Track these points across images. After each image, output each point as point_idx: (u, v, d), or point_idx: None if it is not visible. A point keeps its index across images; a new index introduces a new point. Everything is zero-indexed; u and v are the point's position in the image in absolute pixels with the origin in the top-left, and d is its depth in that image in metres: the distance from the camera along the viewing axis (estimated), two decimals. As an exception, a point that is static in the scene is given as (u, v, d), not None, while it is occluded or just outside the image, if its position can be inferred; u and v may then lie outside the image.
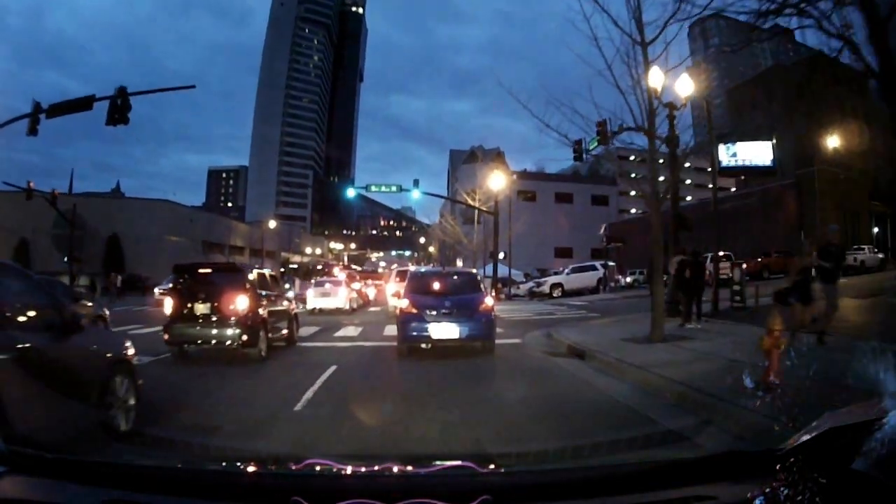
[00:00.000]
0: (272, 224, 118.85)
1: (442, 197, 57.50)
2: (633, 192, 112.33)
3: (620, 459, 4.69)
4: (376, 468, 3.58)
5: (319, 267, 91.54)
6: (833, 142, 63.16)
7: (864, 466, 2.33)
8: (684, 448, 5.35)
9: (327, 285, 41.18)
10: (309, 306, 38.14)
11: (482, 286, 21.45)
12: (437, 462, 3.91)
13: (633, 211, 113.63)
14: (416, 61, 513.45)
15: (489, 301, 19.42)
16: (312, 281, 47.60)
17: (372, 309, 43.33)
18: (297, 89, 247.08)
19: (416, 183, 52.98)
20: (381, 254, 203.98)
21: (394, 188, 54.58)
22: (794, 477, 2.53)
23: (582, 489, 2.90)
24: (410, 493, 2.69)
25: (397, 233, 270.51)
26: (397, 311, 19.83)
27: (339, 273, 56.01)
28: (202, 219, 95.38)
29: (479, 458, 4.20)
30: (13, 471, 2.98)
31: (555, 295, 54.77)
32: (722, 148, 39.04)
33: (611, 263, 59.74)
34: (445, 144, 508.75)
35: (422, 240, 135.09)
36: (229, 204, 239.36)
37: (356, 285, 47.64)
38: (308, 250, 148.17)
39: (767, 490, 2.56)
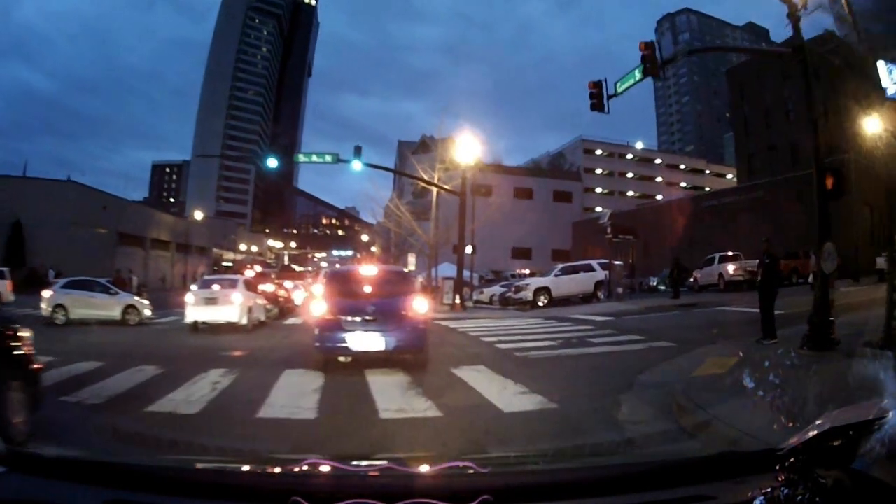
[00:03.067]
0: (198, 215, 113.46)
1: (389, 170, 54.72)
2: (598, 189, 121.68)
3: (620, 459, 4.66)
4: (376, 468, 3.57)
5: (257, 266, 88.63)
6: (871, 125, 48.53)
7: (864, 466, 2.39)
8: (684, 448, 5.41)
9: (215, 288, 30.96)
10: (188, 319, 29.78)
11: (414, 286, 19.81)
12: (437, 462, 3.63)
13: (599, 209, 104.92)
14: (370, 60, 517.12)
15: (422, 304, 17.59)
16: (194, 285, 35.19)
17: (291, 321, 36.70)
18: (244, 81, 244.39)
19: (357, 151, 43.90)
20: (325, 254, 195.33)
21: (328, 157, 46.06)
22: (794, 477, 2.58)
23: (582, 489, 2.94)
24: (410, 493, 2.72)
25: (339, 232, 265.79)
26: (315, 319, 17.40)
27: (250, 271, 52.07)
28: (119, 206, 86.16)
29: (479, 458, 4.15)
30: (13, 471, 3.00)
31: (540, 303, 45.27)
32: (882, 67, 29.14)
33: (616, 262, 49.57)
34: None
35: (364, 237, 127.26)
36: (171, 199, 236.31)
37: (269, 288, 39.47)
38: (244, 247, 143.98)
39: (767, 490, 2.60)
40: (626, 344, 21.47)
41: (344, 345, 16.25)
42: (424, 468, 3.56)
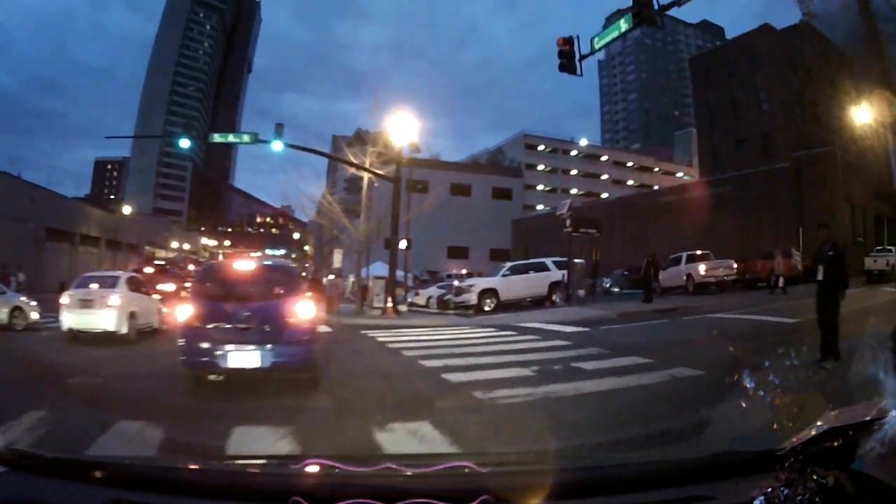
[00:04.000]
0: (126, 209, 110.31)
1: (314, 152, 47.32)
2: (540, 187, 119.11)
3: (620, 460, 4.54)
4: (376, 468, 3.41)
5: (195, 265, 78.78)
6: (855, 117, 52.57)
7: (864, 466, 2.45)
8: (684, 448, 5.23)
9: (92, 287, 24.76)
10: (63, 325, 24.03)
11: (301, 286, 15.65)
12: (437, 462, 3.46)
13: (539, 207, 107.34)
14: (312, 59, 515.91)
15: (307, 309, 14.03)
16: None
17: None
18: (185, 77, 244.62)
19: (278, 130, 39.21)
20: (259, 253, 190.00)
21: (246, 137, 42.75)
22: (794, 477, 2.60)
23: (582, 489, 2.98)
24: (410, 493, 2.72)
25: (274, 230, 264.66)
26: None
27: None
28: (47, 199, 79.81)
29: (479, 458, 3.82)
30: (13, 471, 3.04)
31: (486, 307, 40.08)
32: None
33: (577, 260, 42.18)
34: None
35: (296, 235, 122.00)
36: (112, 196, 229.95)
37: (170, 288, 36.08)
38: (176, 245, 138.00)
39: (767, 490, 2.61)
40: (635, 373, 15.07)
41: (212, 360, 13.01)
42: (424, 468, 3.42)
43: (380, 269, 48.11)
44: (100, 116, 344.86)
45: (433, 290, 50.20)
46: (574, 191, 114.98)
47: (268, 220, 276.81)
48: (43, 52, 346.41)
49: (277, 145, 39.03)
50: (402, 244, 45.52)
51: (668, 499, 2.82)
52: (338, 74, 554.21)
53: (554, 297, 40.99)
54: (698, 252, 48.06)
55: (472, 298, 40.43)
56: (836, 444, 2.55)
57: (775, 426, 3.42)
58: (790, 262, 45.11)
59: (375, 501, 2.63)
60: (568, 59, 23.96)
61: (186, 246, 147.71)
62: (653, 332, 24.95)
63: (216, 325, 13.27)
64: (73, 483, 2.93)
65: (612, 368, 15.68)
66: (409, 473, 3.34)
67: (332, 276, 49.78)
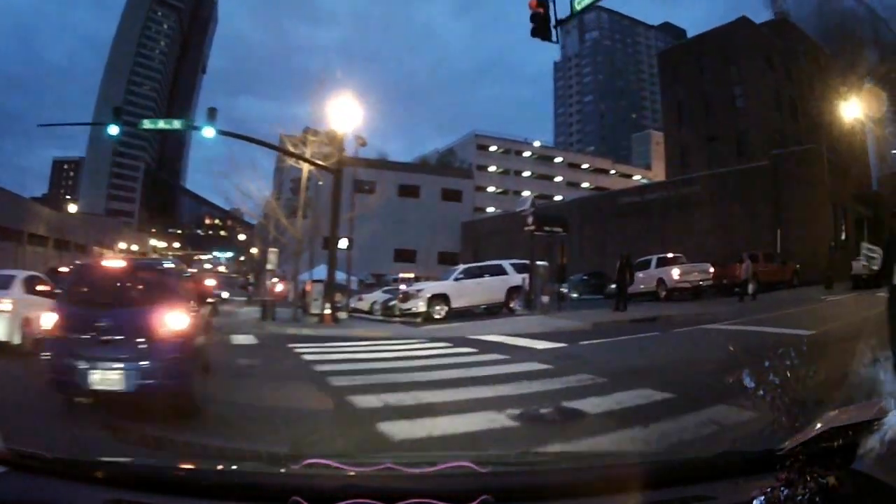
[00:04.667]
0: (72, 208, 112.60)
1: (248, 139, 39.34)
2: (490, 188, 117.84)
3: (620, 460, 4.61)
4: (376, 468, 3.47)
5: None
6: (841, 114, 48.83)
7: (864, 466, 2.49)
8: (684, 448, 5.29)
9: None
10: None
11: (179, 290, 12.96)
12: (437, 462, 3.51)
13: (490, 209, 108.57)
14: (267, 61, 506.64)
15: (180, 319, 11.69)
16: None
17: None
18: (140, 76, 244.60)
19: (210, 115, 34.88)
20: (208, 255, 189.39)
21: (176, 123, 43.21)
22: (794, 477, 2.59)
23: (582, 489, 2.99)
24: (410, 493, 2.73)
25: (221, 232, 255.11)
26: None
27: None
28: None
29: (479, 458, 3.85)
30: (13, 471, 3.05)
31: (437, 315, 35.52)
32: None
33: (540, 263, 37.22)
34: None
35: (241, 237, 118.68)
36: (68, 196, 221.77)
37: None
38: (124, 246, 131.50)
39: (767, 490, 2.60)
40: (660, 417, 10.03)
41: (74, 379, 10.58)
42: (424, 468, 3.41)
43: (324, 272, 42.36)
44: (63, 116, 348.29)
45: (378, 295, 46.87)
46: (526, 193, 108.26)
47: (216, 221, 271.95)
48: (8, 50, 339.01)
49: (209, 131, 34.81)
50: (343, 243, 41.69)
51: (668, 499, 2.82)
52: (292, 77, 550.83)
53: (512, 305, 36.91)
54: (670, 255, 44.93)
55: (420, 305, 36.04)
56: (836, 444, 2.54)
57: (775, 426, 3.20)
58: (760, 266, 42.77)
59: (375, 501, 2.62)
60: (541, 22, 20.70)
61: (135, 247, 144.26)
62: (647, 350, 20.64)
63: (78, 335, 11.04)
64: (73, 483, 2.92)
65: (622, 411, 11.26)
66: (409, 473, 3.25)
67: (274, 279, 45.48)
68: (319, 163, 39.20)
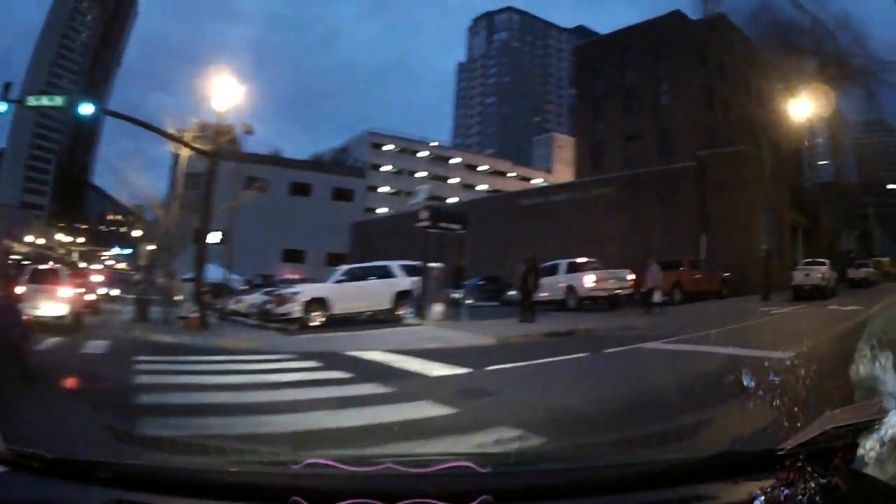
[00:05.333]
0: None
1: (124, 118, 34.74)
2: (383, 189, 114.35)
3: (620, 459, 4.27)
4: (376, 468, 3.38)
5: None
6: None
7: (864, 466, 2.54)
8: (684, 448, 4.82)
9: None
10: None
11: None
12: (437, 462, 3.41)
13: (382, 210, 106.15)
14: (182, 58, 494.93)
15: None
16: None
17: None
18: (62, 68, 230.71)
19: (93, 94, 26.78)
20: (112, 252, 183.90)
21: (59, 100, 37.57)
22: (794, 477, 2.56)
23: (582, 489, 3.00)
24: (410, 493, 2.73)
25: (122, 229, 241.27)
26: None
27: None
28: None
29: (479, 458, 3.63)
30: (13, 471, 3.02)
31: (315, 322, 30.75)
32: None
33: (432, 265, 32.23)
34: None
35: (135, 233, 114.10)
36: None
37: None
38: (31, 240, 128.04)
39: (767, 490, 2.58)
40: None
41: None
42: (424, 468, 3.37)
43: (213, 272, 41.85)
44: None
45: (256, 297, 40.37)
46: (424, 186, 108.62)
47: (119, 217, 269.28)
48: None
49: (87, 108, 32.54)
50: (215, 237, 37.37)
51: (668, 499, 2.83)
52: (205, 76, 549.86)
53: (401, 312, 32.41)
54: (582, 260, 40.86)
55: (296, 310, 31.32)
56: (836, 444, 2.56)
57: (775, 426, 3.31)
58: (684, 274, 41.30)
59: (375, 501, 2.61)
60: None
61: (40, 242, 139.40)
62: (583, 381, 15.44)
63: None
64: (73, 483, 2.89)
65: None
66: (409, 473, 3.25)
67: (160, 278, 41.56)
68: (196, 146, 35.22)
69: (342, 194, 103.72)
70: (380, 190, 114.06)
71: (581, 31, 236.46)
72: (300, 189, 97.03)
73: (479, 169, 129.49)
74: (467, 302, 40.16)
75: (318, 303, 31.53)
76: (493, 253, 58.04)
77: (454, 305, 33.25)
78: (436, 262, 32.92)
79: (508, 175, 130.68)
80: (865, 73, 61.78)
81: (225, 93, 34.58)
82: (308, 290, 33.17)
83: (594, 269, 39.66)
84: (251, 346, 24.63)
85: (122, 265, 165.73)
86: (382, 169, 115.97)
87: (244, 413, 11.76)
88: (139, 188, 44.26)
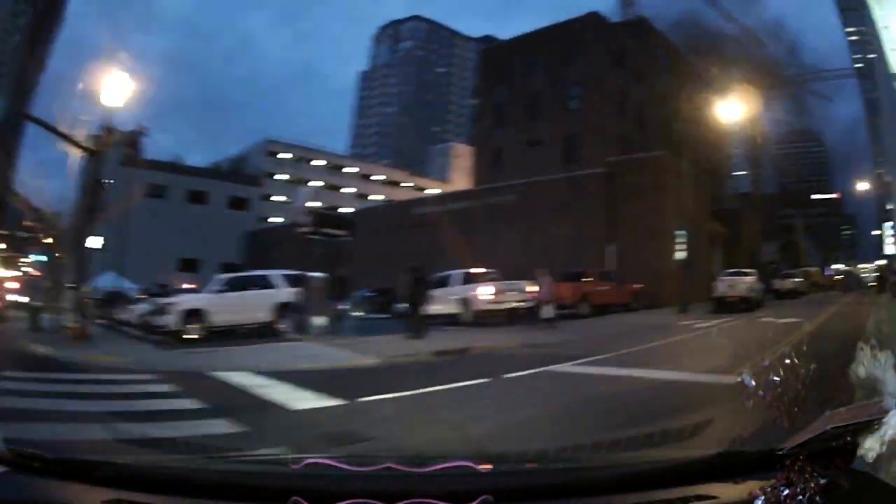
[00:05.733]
0: None
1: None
2: (279, 198, 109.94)
3: (620, 459, 4.23)
4: (376, 468, 3.28)
5: None
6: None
7: (864, 466, 2.54)
8: (684, 448, 4.81)
9: None
10: None
11: None
12: (438, 462, 3.31)
13: (277, 219, 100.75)
14: (103, 64, 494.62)
15: None
16: None
17: None
18: None
19: None
20: (30, 259, 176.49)
21: None
22: (794, 477, 2.57)
23: (582, 489, 2.94)
24: (410, 493, 2.71)
25: (38, 235, 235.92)
26: None
27: None
28: None
29: (479, 458, 3.65)
30: (13, 471, 2.95)
31: (192, 335, 28.74)
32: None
33: (314, 275, 28.94)
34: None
35: (47, 240, 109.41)
36: None
37: None
38: None
39: (767, 490, 2.58)
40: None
41: None
42: (424, 468, 3.29)
43: (112, 280, 44.19)
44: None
45: (145, 307, 36.24)
46: (318, 204, 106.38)
47: (34, 224, 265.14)
48: None
49: None
50: (96, 242, 37.07)
51: (668, 499, 2.76)
52: (101, 72, 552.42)
53: (281, 326, 30.04)
54: (479, 270, 38.13)
55: (173, 321, 29.37)
56: (836, 444, 2.56)
57: (775, 426, 3.11)
58: (593, 286, 39.17)
59: (375, 501, 2.60)
60: None
61: None
62: (484, 417, 11.82)
63: None
64: (73, 483, 2.84)
65: None
66: (409, 473, 3.23)
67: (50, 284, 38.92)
68: (80, 142, 31.16)
69: (238, 203, 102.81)
70: (275, 199, 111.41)
71: (488, 40, 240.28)
72: (197, 197, 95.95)
73: (375, 179, 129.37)
74: (356, 315, 39.36)
75: (196, 314, 29.74)
76: (386, 263, 53.96)
77: (338, 319, 30.82)
78: (320, 271, 30.12)
79: (403, 185, 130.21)
80: (793, 83, 61.31)
81: (115, 89, 30.94)
82: (185, 301, 31.41)
83: (492, 280, 36.98)
84: (114, 361, 21.79)
85: (38, 272, 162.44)
86: (278, 177, 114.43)
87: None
88: (46, 194, 41.91)
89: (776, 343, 19.26)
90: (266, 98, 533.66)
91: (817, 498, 2.39)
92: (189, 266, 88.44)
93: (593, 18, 69.42)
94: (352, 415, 12.71)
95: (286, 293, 30.73)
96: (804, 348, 3.56)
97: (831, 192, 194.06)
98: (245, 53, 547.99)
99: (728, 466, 2.89)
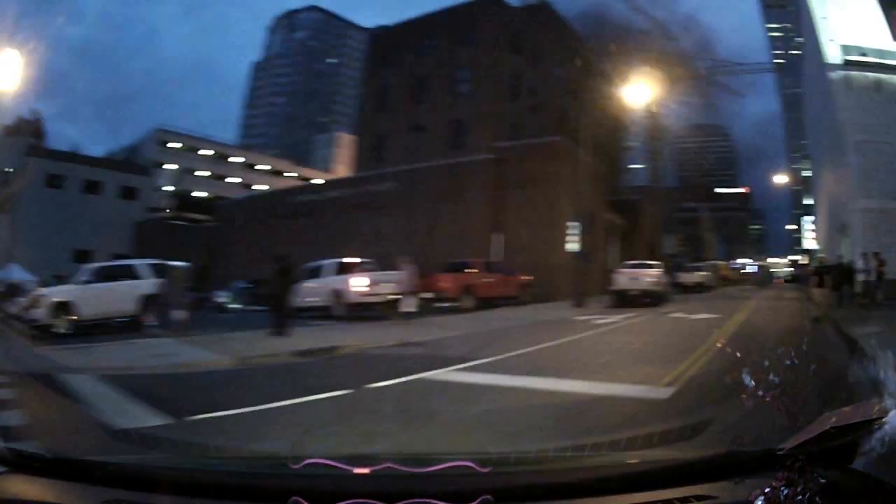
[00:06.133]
0: None
1: None
2: (168, 187, 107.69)
3: (620, 459, 4.23)
4: (376, 468, 3.26)
5: None
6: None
7: (864, 466, 2.56)
8: (684, 448, 4.79)
9: None
10: None
11: None
12: (437, 462, 3.30)
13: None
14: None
15: None
16: None
17: None
18: None
19: None
20: None
21: None
22: (794, 477, 2.62)
23: (582, 489, 2.98)
24: (410, 493, 2.75)
25: None
26: None
27: None
28: None
29: (479, 458, 3.44)
30: (13, 471, 2.95)
31: (60, 330, 26.57)
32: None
33: (174, 264, 28.98)
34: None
35: None
36: None
37: None
38: None
39: (767, 490, 2.62)
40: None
41: None
42: (424, 468, 3.27)
43: (19, 273, 42.64)
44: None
45: (23, 300, 32.82)
46: (203, 194, 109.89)
47: None
48: None
49: None
50: None
51: (668, 499, 2.80)
52: (33, 78, 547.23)
53: (146, 319, 27.53)
54: (353, 260, 35.74)
55: (43, 315, 27.22)
56: (836, 444, 2.58)
57: (775, 426, 3.27)
58: (478, 277, 36.91)
59: (375, 501, 2.64)
60: None
61: None
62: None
63: None
64: (73, 483, 2.85)
65: None
66: (409, 473, 3.21)
67: None
68: None
69: (129, 193, 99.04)
70: (166, 188, 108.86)
71: (383, 30, 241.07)
72: (92, 187, 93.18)
73: (259, 168, 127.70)
74: (234, 307, 40.30)
75: (64, 307, 27.63)
76: (264, 253, 48.80)
77: (201, 311, 31.17)
78: (185, 261, 30.03)
79: (287, 174, 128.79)
80: (700, 77, 61.05)
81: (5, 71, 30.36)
82: (53, 293, 29.21)
83: (367, 270, 34.59)
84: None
85: None
86: (166, 167, 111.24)
87: None
88: None
89: (700, 343, 17.34)
90: (166, 89, 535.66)
91: (817, 498, 2.41)
92: (83, 257, 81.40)
93: (490, 1, 64.72)
94: (177, 435, 10.12)
95: (150, 284, 28.73)
96: (791, 349, 3.55)
97: (739, 187, 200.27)
98: (152, 44, 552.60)
99: (728, 466, 2.92)
